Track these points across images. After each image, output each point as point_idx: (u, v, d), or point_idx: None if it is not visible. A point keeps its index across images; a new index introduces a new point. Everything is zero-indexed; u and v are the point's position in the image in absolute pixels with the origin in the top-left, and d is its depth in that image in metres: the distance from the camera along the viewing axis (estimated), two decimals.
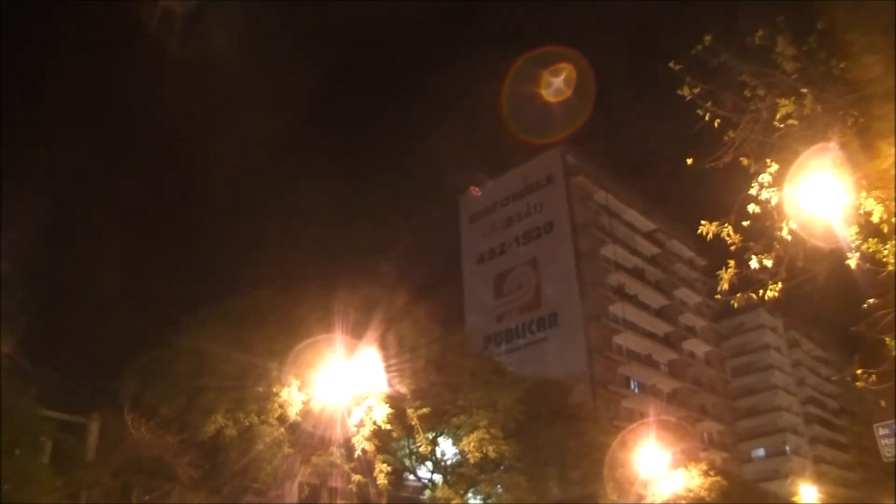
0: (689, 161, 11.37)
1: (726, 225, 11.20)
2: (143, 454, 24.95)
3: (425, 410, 30.11)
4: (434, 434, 32.43)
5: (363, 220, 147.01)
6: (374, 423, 27.70)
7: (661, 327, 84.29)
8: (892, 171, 10.45)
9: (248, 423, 26.41)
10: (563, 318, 75.58)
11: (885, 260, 11.48)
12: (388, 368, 29.39)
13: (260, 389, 26.87)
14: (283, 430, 27.04)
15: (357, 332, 28.41)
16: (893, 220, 10.79)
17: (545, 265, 79.64)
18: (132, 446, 24.93)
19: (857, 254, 11.29)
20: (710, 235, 11.34)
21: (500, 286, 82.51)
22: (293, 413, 26.92)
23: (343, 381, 26.69)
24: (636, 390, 77.15)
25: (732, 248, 11.24)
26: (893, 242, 11.31)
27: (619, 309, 78.10)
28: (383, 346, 29.52)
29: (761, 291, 11.39)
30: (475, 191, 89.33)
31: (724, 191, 11.76)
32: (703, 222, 11.39)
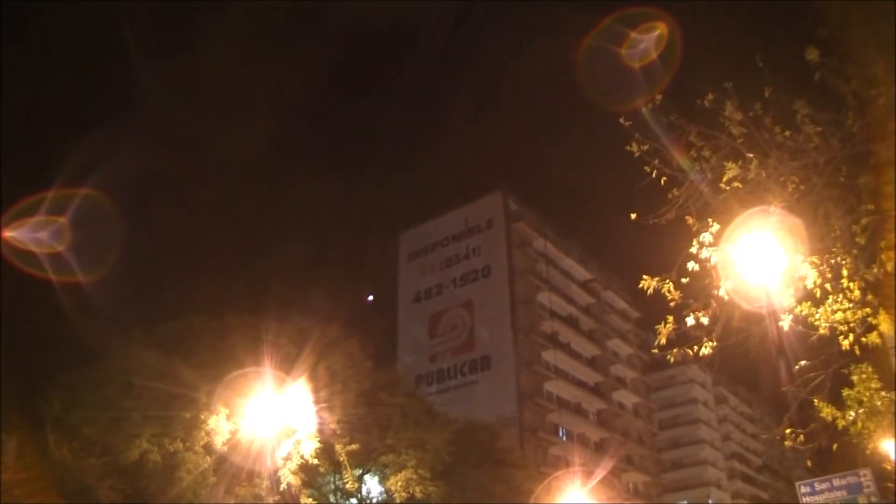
0: (633, 216, 11.57)
1: (667, 281, 11.40)
2: (65, 475, 24.41)
3: (354, 447, 29.94)
4: (361, 471, 32.25)
5: (304, 251, 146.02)
6: (302, 457, 27.49)
7: (591, 377, 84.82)
8: (830, 237, 10.78)
9: (173, 450, 26.02)
10: (496, 362, 75.65)
11: (816, 323, 11.79)
12: (318, 402, 29.21)
13: (187, 416, 26.51)
14: (208, 458, 26.67)
15: (289, 363, 28.25)
16: (827, 285, 11.11)
17: (481, 308, 79.79)
18: (53, 467, 24.40)
19: (791, 316, 11.59)
20: (651, 290, 11.53)
21: (435, 326, 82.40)
22: (220, 442, 26.60)
23: (272, 413, 26.44)
24: (564, 438, 77.34)
25: (672, 303, 11.43)
26: (826, 307, 11.63)
27: (551, 356, 78.41)
28: (314, 380, 29.35)
29: (696, 347, 11.61)
30: None
31: (663, 246, 12.00)
32: (644, 277, 11.58)
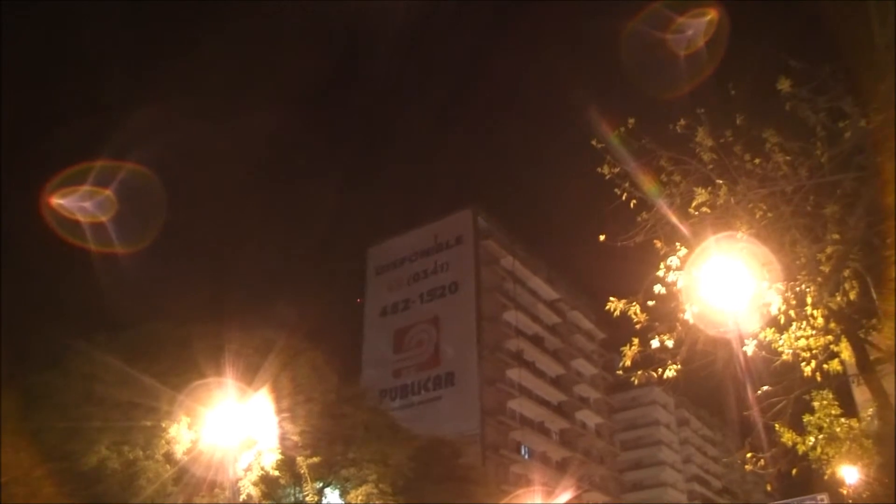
0: (602, 238, 11.65)
1: (634, 303, 11.47)
2: (20, 479, 24.09)
3: (315, 460, 29.80)
4: (322, 484, 32.06)
5: (272, 261, 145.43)
6: (263, 469, 27.31)
7: (555, 396, 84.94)
8: (795, 265, 10.93)
9: (132, 458, 25.77)
10: (460, 378, 75.56)
11: (780, 349, 11.94)
12: (281, 414, 29.04)
13: (148, 424, 26.27)
14: (168, 467, 26.44)
15: (252, 373, 28.04)
16: (791, 312, 11.25)
17: (447, 324, 79.71)
18: (7, 470, 24.06)
19: (755, 341, 11.72)
20: (618, 312, 11.60)
21: (401, 341, 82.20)
22: (180, 451, 26.38)
23: (234, 423, 26.24)
24: (527, 456, 77.31)
25: (637, 326, 11.50)
26: (789, 334, 11.78)
27: (516, 374, 78.48)
28: (278, 391, 29.18)
29: (660, 370, 11.68)
30: None
31: (631, 269, 12.10)
32: (611, 298, 11.66)
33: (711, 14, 12.65)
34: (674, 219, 11.35)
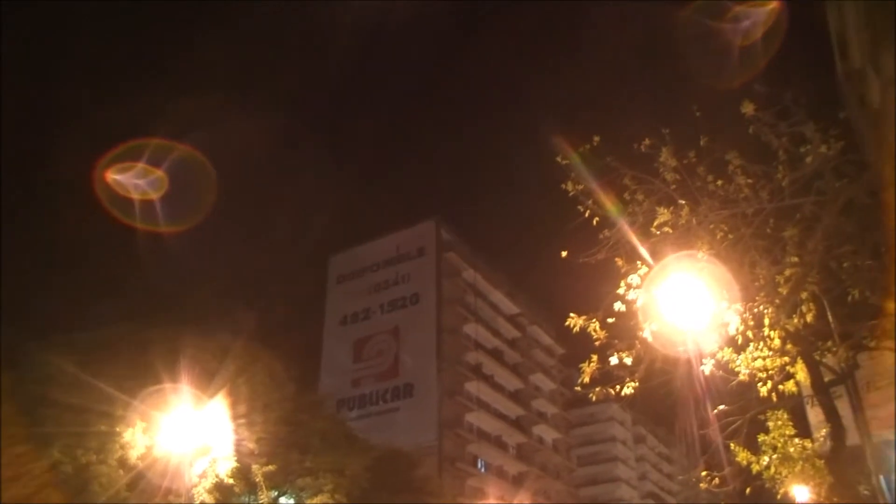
0: (564, 254, 11.69)
1: (594, 320, 11.52)
2: None
3: (271, 468, 29.60)
4: (277, 493, 31.85)
5: (234, 266, 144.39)
6: (217, 476, 27.08)
7: (513, 410, 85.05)
8: (754, 286, 11.06)
9: (85, 462, 25.44)
10: (419, 390, 75.46)
11: (737, 369, 12.06)
12: (236, 420, 28.84)
13: (102, 428, 25.94)
14: (122, 472, 26.14)
15: (209, 379, 27.82)
16: (749, 333, 11.38)
17: (406, 336, 79.60)
18: None
19: (713, 361, 11.83)
20: (577, 328, 11.64)
21: (360, 351, 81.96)
22: (134, 456, 26.09)
23: (189, 429, 26.01)
24: (483, 470, 77.27)
25: (597, 342, 11.55)
26: (747, 354, 11.91)
27: (474, 387, 78.47)
28: (235, 398, 28.98)
29: (618, 387, 11.74)
30: None
31: (591, 285, 12.16)
32: (571, 315, 11.68)
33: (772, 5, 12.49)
34: (635, 238, 11.45)
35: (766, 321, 11.21)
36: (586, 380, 11.62)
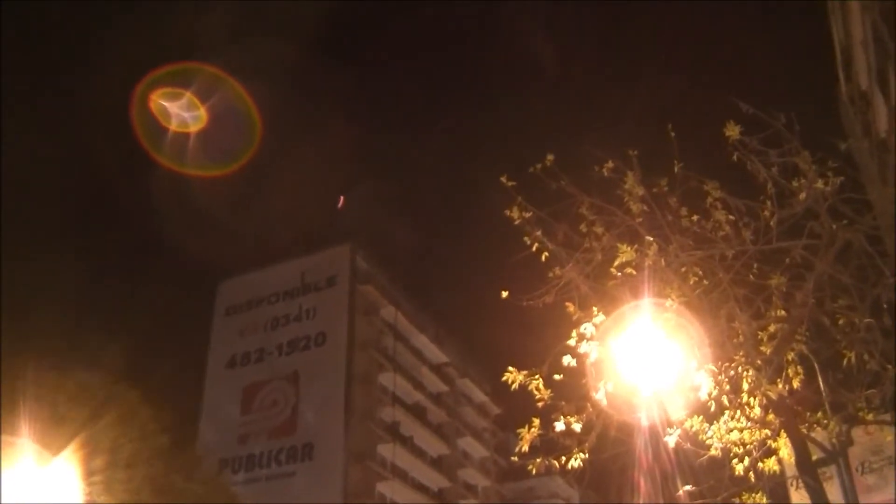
0: (504, 294, 11.62)
1: (537, 376, 11.43)
2: None
3: None
4: None
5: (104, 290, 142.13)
6: None
7: (436, 481, 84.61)
8: (732, 343, 11.14)
9: None
10: (320, 451, 74.70)
11: (708, 442, 12.08)
12: (91, 482, 28.32)
13: None
14: None
15: (62, 429, 27.33)
16: (724, 399, 11.46)
17: (308, 384, 78.79)
18: None
19: (679, 431, 11.80)
20: (516, 385, 11.55)
21: (250, 400, 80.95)
22: None
23: (34, 491, 25.50)
24: None
25: (540, 403, 11.47)
26: (720, 424, 11.98)
27: (389, 451, 77.93)
28: (92, 452, 28.46)
29: (564, 458, 11.68)
30: None
31: (536, 334, 12.14)
32: (510, 369, 11.57)
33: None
34: (591, 279, 11.46)
35: (745, 386, 11.30)
36: (525, 448, 11.54)
